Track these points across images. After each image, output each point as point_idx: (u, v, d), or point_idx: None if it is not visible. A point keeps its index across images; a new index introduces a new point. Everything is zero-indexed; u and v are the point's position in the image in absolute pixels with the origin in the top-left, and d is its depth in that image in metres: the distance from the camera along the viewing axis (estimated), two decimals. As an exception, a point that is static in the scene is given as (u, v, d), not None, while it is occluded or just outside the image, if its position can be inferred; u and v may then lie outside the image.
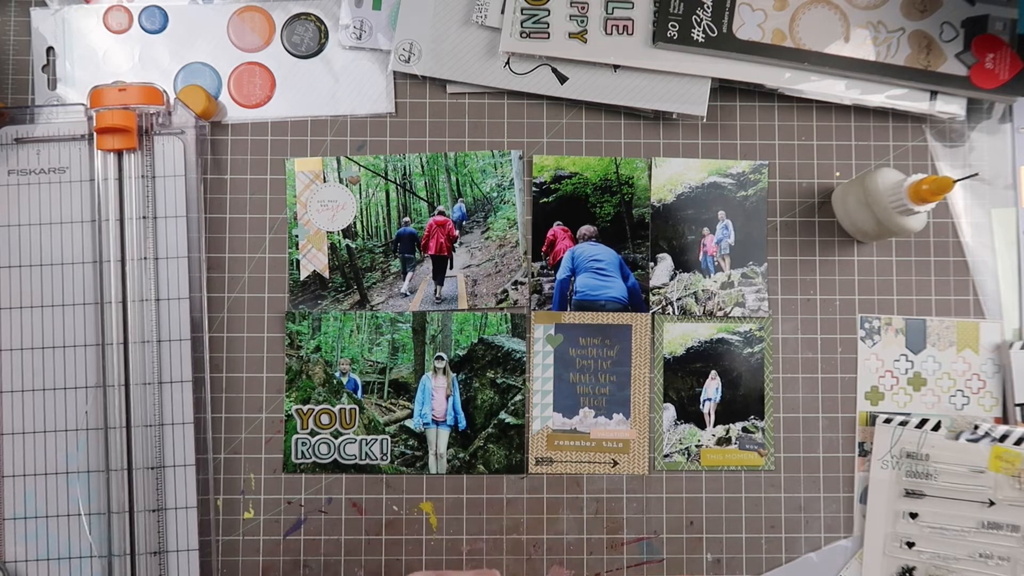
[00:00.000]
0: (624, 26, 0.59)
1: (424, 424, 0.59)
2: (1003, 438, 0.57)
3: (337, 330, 0.59)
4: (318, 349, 0.59)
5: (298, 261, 0.60)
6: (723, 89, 0.60)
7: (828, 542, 0.59)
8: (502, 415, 0.59)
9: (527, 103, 0.61)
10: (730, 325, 0.60)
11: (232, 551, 0.58)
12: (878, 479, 0.58)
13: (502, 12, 0.59)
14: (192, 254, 0.57)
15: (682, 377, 0.60)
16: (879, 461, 0.58)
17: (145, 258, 0.56)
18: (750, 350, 0.60)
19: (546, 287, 0.60)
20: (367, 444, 0.59)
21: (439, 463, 0.59)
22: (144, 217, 0.56)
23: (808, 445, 0.59)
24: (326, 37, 0.61)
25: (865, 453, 0.59)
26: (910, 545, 0.57)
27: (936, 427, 0.58)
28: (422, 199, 0.60)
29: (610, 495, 0.59)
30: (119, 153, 0.57)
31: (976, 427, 0.58)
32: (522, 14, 0.58)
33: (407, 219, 0.60)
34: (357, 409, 0.59)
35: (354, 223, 0.60)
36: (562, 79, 0.59)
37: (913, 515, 0.58)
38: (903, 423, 0.58)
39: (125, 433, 0.56)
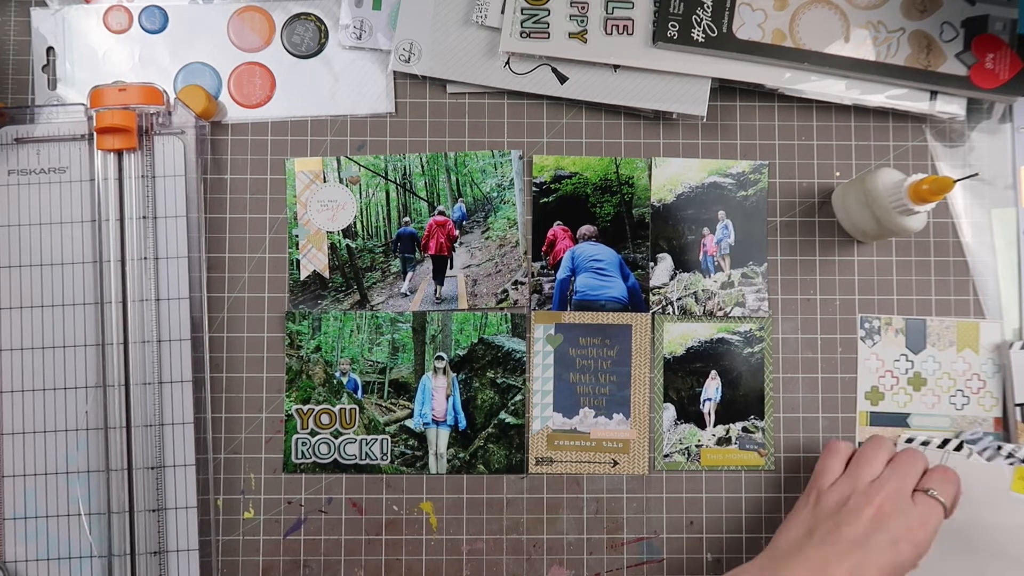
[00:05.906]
0: (624, 26, 0.59)
1: (424, 424, 0.59)
2: None
3: (337, 330, 0.59)
4: (318, 349, 0.59)
5: (298, 261, 0.60)
6: (723, 89, 0.60)
7: (828, 542, 0.59)
8: (502, 415, 0.59)
9: (527, 103, 0.61)
10: (730, 325, 0.60)
11: (232, 551, 0.58)
12: None
13: (502, 12, 0.59)
14: (192, 254, 0.57)
15: (682, 377, 0.59)
16: None
17: (145, 258, 0.56)
18: (750, 350, 0.60)
19: (546, 287, 0.60)
20: (367, 444, 0.59)
21: (439, 463, 0.59)
22: (144, 217, 0.56)
23: (808, 445, 0.59)
24: (326, 37, 0.61)
25: (865, 453, 0.59)
26: None
27: (959, 448, 0.56)
28: (422, 199, 0.60)
29: (610, 495, 0.59)
30: (119, 153, 0.57)
31: (972, 434, 0.57)
32: (522, 14, 0.58)
33: (407, 219, 0.60)
34: (357, 409, 0.59)
35: (354, 223, 0.60)
36: (562, 79, 0.59)
37: None
38: (925, 443, 0.57)
39: (125, 433, 0.56)
